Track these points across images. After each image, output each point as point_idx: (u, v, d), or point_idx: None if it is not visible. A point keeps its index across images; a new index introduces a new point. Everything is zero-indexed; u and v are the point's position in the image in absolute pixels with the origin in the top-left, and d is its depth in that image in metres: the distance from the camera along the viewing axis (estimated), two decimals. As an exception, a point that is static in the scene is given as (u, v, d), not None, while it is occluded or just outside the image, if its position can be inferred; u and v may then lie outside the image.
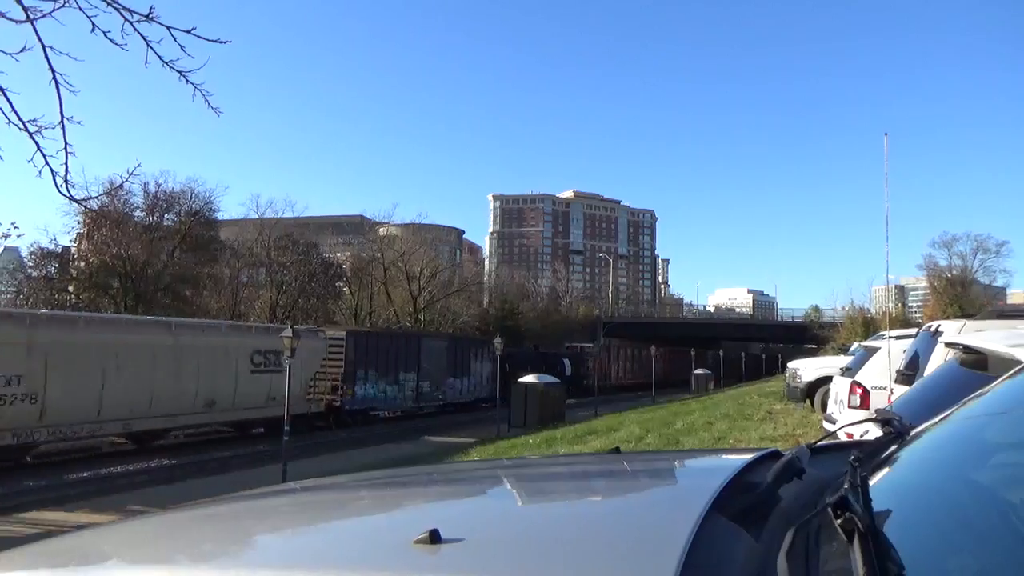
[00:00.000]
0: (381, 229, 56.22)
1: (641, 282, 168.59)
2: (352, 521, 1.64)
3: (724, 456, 2.46)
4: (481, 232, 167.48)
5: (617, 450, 2.22)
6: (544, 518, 1.52)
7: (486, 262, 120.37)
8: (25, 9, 3.69)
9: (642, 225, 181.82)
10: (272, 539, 1.56)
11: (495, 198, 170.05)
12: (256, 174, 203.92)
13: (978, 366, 3.93)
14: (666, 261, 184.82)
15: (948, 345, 5.13)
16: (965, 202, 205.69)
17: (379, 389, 27.09)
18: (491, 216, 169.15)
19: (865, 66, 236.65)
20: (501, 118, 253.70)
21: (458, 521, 1.33)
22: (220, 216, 44.34)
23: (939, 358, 5.48)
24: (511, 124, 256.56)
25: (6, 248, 32.57)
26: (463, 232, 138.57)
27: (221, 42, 4.03)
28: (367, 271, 48.73)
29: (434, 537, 1.09)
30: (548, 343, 50.07)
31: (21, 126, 3.92)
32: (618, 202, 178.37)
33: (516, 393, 24.58)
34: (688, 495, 1.44)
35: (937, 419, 1.61)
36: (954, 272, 56.39)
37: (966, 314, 19.29)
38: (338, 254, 56.21)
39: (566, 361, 41.46)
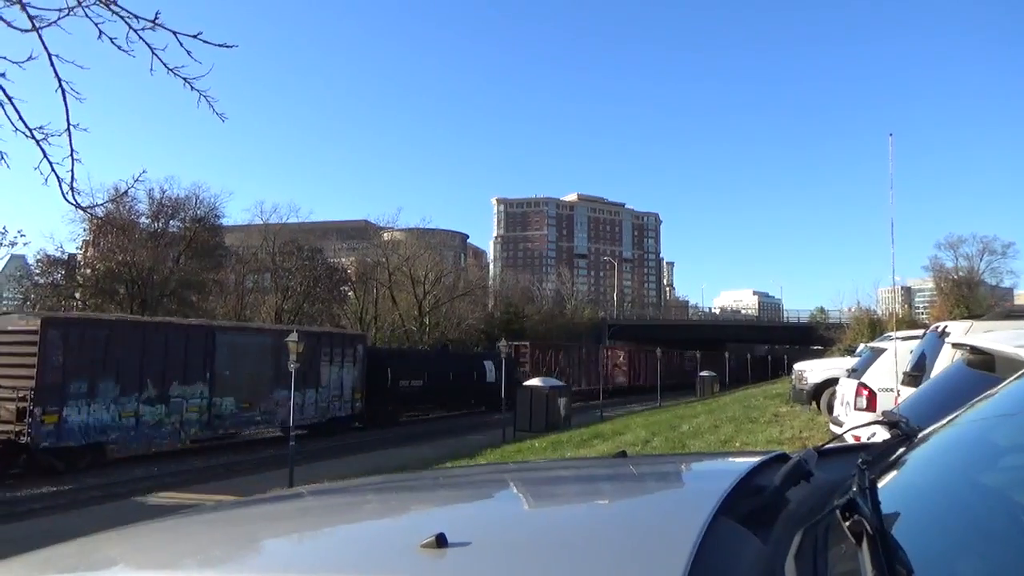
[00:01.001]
0: (386, 234, 56.48)
1: (646, 285, 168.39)
2: (358, 525, 1.64)
3: (731, 459, 2.45)
4: (485, 236, 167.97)
5: (623, 454, 2.22)
6: (550, 522, 1.52)
7: (491, 266, 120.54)
8: (31, 18, 3.71)
9: (646, 228, 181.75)
10: (279, 543, 1.56)
11: (499, 202, 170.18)
12: (260, 180, 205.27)
13: (985, 367, 3.91)
14: (671, 264, 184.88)
15: (955, 346, 5.11)
16: (971, 203, 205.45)
17: (121, 411, 17.40)
18: (495, 220, 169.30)
19: (870, 67, 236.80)
20: (504, 122, 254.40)
21: (464, 525, 1.33)
22: (225, 222, 44.61)
23: (946, 359, 5.46)
24: (514, 128, 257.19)
25: (12, 256, 32.78)
26: (467, 236, 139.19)
27: (227, 46, 4.05)
28: (372, 276, 48.89)
29: (440, 541, 1.09)
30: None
31: (28, 134, 3.94)
32: (622, 205, 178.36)
33: (521, 398, 24.56)
34: (695, 498, 1.44)
35: (945, 421, 1.60)
36: (960, 273, 56.29)
37: (973, 315, 19.21)
38: (343, 259, 56.48)
39: (488, 364, 31.66)
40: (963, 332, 6.22)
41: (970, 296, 50.62)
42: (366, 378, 25.61)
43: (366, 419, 25.70)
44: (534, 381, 25.74)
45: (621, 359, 49.03)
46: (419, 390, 28.63)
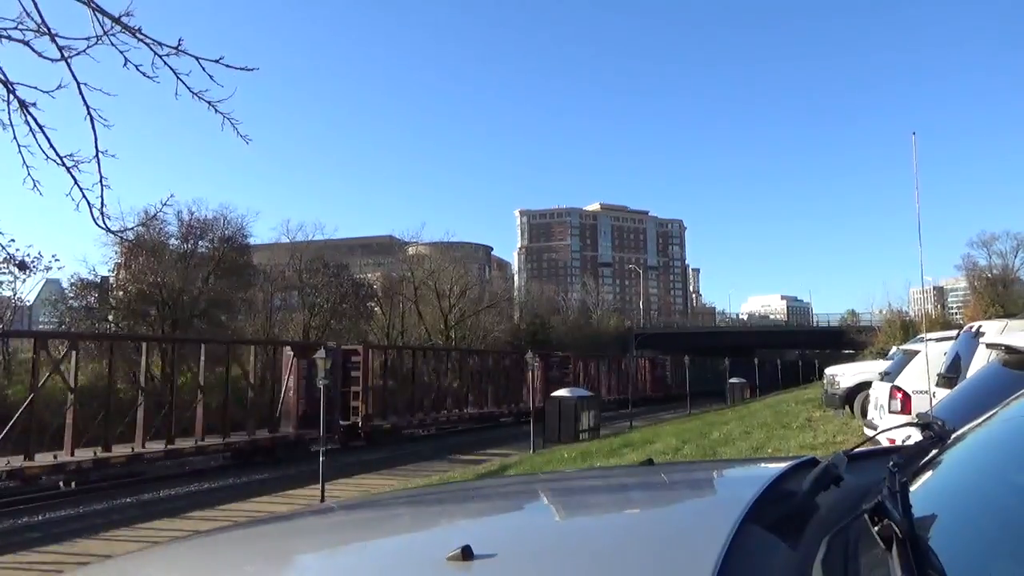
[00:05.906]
0: (410, 248, 56.87)
1: (672, 292, 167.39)
2: (387, 539, 1.65)
3: (760, 465, 2.42)
4: (509, 248, 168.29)
5: (650, 462, 2.21)
6: (577, 532, 1.51)
7: (515, 277, 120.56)
8: (60, 48, 3.81)
9: (671, 235, 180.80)
10: (309, 558, 1.57)
11: (522, 213, 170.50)
12: (286, 199, 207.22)
13: (1021, 366, 3.84)
14: (696, 270, 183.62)
15: (990, 346, 5.02)
16: (1004, 200, 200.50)
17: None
18: (519, 232, 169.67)
19: (894, 68, 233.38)
20: (525, 134, 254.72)
21: (491, 536, 1.33)
22: (252, 241, 45.01)
23: (981, 360, 5.36)
24: (535, 140, 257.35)
25: (48, 280, 33.50)
26: (491, 249, 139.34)
27: (248, 69, 4.11)
28: (398, 290, 49.19)
29: (467, 553, 1.10)
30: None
31: (59, 162, 4.03)
32: (646, 213, 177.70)
33: (550, 408, 24.49)
34: (723, 505, 1.42)
35: (978, 421, 1.57)
36: (994, 271, 55.21)
37: (1008, 314, 18.79)
38: (368, 274, 56.94)
39: None
40: (998, 332, 6.10)
41: (1005, 295, 49.56)
42: None
43: None
44: (562, 392, 25.68)
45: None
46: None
